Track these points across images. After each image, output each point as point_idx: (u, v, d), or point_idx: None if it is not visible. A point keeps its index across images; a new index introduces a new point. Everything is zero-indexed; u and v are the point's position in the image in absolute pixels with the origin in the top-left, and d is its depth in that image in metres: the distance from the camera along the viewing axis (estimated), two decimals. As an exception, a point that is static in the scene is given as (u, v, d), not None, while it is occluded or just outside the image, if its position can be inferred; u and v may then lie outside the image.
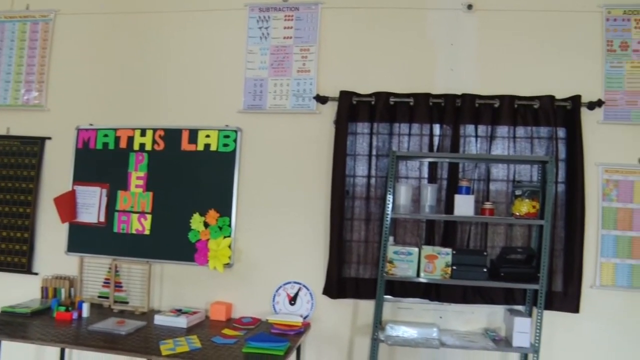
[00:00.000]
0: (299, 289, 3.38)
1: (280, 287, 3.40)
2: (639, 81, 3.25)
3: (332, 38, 3.45)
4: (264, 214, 3.44)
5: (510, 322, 3.04)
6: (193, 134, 3.50)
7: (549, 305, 3.13)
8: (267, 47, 3.50)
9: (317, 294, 3.35)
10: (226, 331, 3.06)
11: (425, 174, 3.27)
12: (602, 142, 3.25)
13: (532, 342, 2.98)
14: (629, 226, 3.22)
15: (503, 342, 3.06)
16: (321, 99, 3.38)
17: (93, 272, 3.56)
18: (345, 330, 3.35)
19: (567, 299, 3.15)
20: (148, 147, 3.55)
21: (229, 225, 3.43)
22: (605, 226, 3.23)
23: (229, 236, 3.42)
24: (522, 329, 2.98)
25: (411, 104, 3.26)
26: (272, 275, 3.41)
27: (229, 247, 3.39)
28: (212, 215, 3.43)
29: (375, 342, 3.03)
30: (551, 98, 3.21)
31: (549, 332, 3.18)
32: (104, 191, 3.59)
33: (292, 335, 3.01)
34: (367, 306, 3.30)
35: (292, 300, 3.38)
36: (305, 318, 3.33)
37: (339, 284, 3.26)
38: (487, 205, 3.06)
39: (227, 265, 3.41)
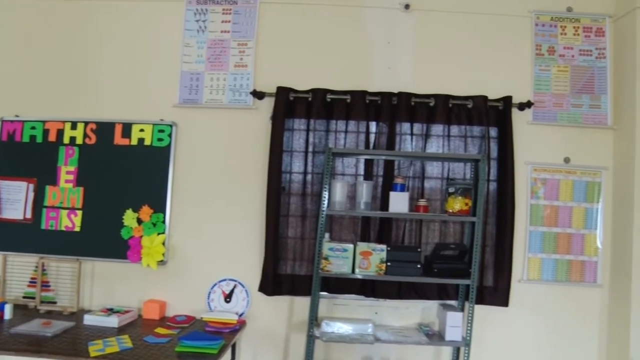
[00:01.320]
0: (235, 286, 3.34)
1: (215, 284, 3.35)
2: (564, 84, 3.40)
3: (270, 33, 3.42)
4: (199, 210, 3.38)
5: (443, 317, 3.11)
6: (126, 128, 3.40)
7: (480, 300, 3.23)
8: (205, 41, 3.43)
9: (252, 291, 3.32)
10: (159, 330, 2.99)
11: (361, 170, 3.29)
12: (531, 142, 3.38)
13: (463, 335, 3.06)
14: (554, 223, 3.36)
15: (436, 337, 3.12)
16: (258, 95, 3.35)
17: (18, 271, 3.39)
18: (281, 327, 3.34)
19: (497, 293, 3.26)
20: (79, 141, 3.42)
21: (163, 222, 3.34)
22: (533, 223, 3.36)
23: (163, 233, 3.34)
24: (454, 323, 3.05)
25: (348, 101, 3.28)
26: (207, 272, 3.35)
27: (163, 244, 3.31)
28: (146, 211, 3.34)
29: (310, 339, 3.04)
30: (484, 98, 3.31)
31: (480, 326, 3.28)
32: (31, 186, 3.42)
33: (227, 333, 2.97)
34: (303, 303, 3.30)
35: (228, 297, 3.34)
36: (240, 315, 3.30)
37: (274, 281, 3.25)
38: (422, 202, 3.12)
39: (161, 263, 3.32)
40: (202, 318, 3.19)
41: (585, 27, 3.43)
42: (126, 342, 2.74)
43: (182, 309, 3.34)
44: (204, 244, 3.37)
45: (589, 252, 3.35)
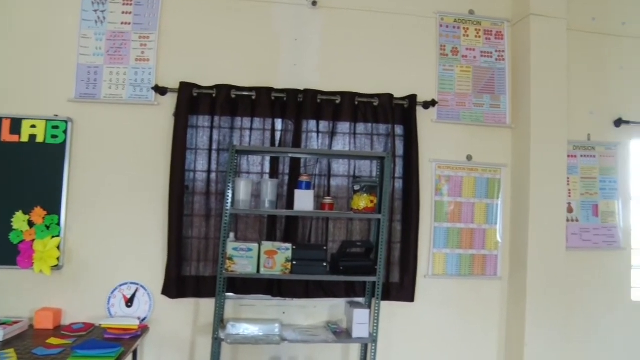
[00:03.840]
0: (137, 290, 3.20)
1: (115, 288, 3.18)
2: (467, 84, 3.51)
3: (173, 26, 3.30)
4: (98, 211, 3.20)
5: (351, 314, 3.12)
6: (16, 124, 3.15)
7: (387, 296, 3.28)
8: (103, 33, 3.25)
9: (156, 294, 3.19)
10: (52, 340, 2.78)
11: (267, 169, 3.25)
12: (435, 140, 3.47)
13: (370, 332, 3.08)
14: (458, 219, 3.47)
15: (344, 334, 3.13)
16: (160, 90, 3.22)
17: None
18: (187, 330, 3.24)
19: (403, 289, 3.32)
20: (-40, 137, 3.15)
21: (58, 224, 3.14)
22: (438, 219, 3.45)
23: (58, 235, 3.13)
24: (361, 320, 3.07)
25: (253, 97, 3.22)
26: (107, 276, 3.18)
27: (58, 247, 3.11)
28: (38, 213, 3.12)
29: (216, 342, 2.96)
30: (390, 96, 3.35)
31: (388, 322, 3.32)
32: None
33: (128, 340, 2.83)
34: (208, 305, 3.20)
35: (129, 302, 3.19)
36: (143, 320, 3.16)
37: (178, 283, 3.14)
38: (327, 200, 3.11)
39: (56, 268, 3.12)
40: (100, 325, 3.02)
41: (486, 30, 3.56)
42: (10, 356, 2.52)
43: (79, 317, 3.14)
44: (104, 247, 3.20)
45: (490, 246, 3.48)
